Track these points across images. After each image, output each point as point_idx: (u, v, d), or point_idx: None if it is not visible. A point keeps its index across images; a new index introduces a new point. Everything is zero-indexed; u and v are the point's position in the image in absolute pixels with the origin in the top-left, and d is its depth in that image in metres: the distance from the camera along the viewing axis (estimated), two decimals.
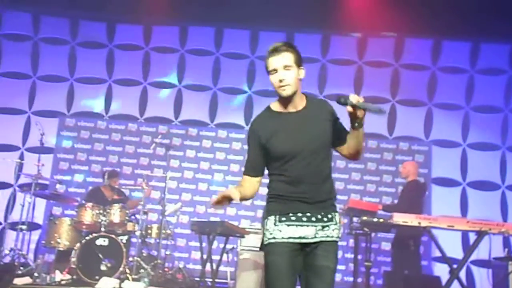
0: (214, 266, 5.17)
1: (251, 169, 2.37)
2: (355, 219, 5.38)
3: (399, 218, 4.64)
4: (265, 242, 2.27)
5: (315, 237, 2.24)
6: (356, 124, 2.19)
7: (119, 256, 5.28)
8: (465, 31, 6.98)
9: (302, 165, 2.24)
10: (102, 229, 5.46)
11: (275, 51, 2.25)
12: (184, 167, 7.31)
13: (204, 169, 7.32)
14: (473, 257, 4.87)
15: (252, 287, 4.87)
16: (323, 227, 2.25)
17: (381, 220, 5.04)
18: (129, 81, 7.63)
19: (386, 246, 6.84)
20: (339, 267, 6.63)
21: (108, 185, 6.25)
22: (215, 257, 5.26)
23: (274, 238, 2.24)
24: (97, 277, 5.13)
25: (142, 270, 5.49)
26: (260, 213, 6.81)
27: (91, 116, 7.52)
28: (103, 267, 5.23)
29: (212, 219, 6.85)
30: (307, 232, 2.23)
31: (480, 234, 4.58)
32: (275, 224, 2.26)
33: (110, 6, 6.86)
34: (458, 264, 4.74)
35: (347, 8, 6.74)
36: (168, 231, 5.95)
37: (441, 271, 6.14)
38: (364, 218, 5.12)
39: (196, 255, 6.84)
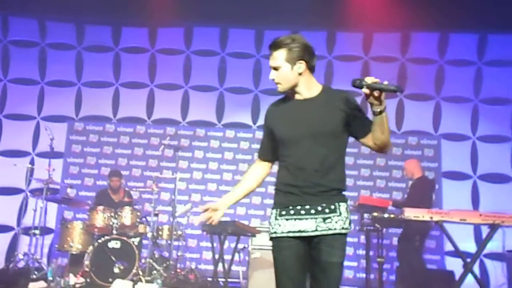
0: (226, 266, 5.19)
1: (261, 152, 2.48)
2: (366, 215, 5.37)
3: (411, 213, 4.62)
4: (269, 236, 2.30)
5: (316, 230, 2.19)
6: (375, 109, 2.13)
7: (131, 258, 5.31)
8: (472, 24, 6.91)
9: (303, 150, 2.22)
10: (114, 231, 5.50)
11: (269, 50, 2.34)
12: (193, 168, 7.32)
13: (212, 169, 7.33)
14: (487, 250, 4.84)
15: (264, 286, 4.88)
16: (324, 219, 2.19)
17: (392, 215, 5.03)
18: (136, 83, 7.67)
19: None
20: (351, 263, 6.76)
21: (110, 186, 6.28)
22: (227, 257, 5.28)
23: (275, 232, 2.26)
24: (110, 280, 5.16)
25: (154, 272, 5.52)
26: (269, 212, 6.80)
27: (99, 119, 7.56)
28: (116, 270, 5.27)
29: (223, 219, 6.85)
30: (306, 225, 2.20)
31: (493, 227, 4.55)
32: (275, 219, 2.27)
33: (114, 9, 6.89)
34: (472, 258, 4.71)
35: (352, 4, 6.71)
36: (179, 232, 5.97)
37: (454, 265, 6.09)
38: (375, 214, 5.12)
39: (208, 255, 6.86)
